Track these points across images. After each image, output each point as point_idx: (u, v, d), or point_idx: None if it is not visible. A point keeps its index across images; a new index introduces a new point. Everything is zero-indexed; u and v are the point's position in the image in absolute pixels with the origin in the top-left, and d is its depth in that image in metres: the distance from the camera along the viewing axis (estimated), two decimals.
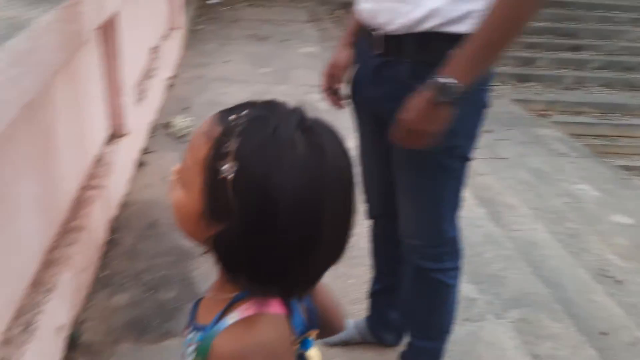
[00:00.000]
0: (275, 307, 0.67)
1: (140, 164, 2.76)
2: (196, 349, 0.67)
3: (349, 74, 1.50)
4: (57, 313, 1.56)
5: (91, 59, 2.12)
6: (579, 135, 7.67)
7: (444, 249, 1.44)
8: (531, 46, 9.39)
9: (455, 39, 1.23)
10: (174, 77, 3.99)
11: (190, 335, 0.70)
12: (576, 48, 9.48)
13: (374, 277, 1.75)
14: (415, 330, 1.59)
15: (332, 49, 1.55)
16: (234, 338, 0.64)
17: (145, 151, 2.88)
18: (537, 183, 4.46)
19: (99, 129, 2.27)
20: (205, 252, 0.67)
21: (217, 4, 7.00)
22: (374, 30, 1.30)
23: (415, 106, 1.17)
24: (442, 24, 1.22)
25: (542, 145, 6.18)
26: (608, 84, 8.90)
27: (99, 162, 2.21)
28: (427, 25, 1.23)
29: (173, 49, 4.08)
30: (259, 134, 0.60)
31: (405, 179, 1.38)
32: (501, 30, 1.14)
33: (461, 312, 2.05)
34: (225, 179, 0.59)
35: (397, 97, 1.29)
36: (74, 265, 1.70)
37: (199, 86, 3.93)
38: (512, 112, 7.32)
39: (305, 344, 0.70)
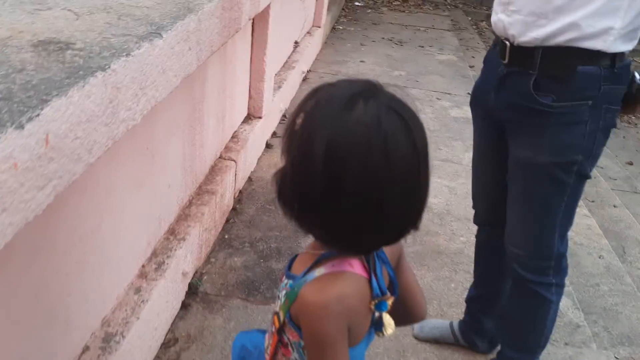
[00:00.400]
0: (357, 268, 0.77)
1: (269, 146, 2.99)
2: (286, 294, 0.79)
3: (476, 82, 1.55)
4: (185, 260, 1.79)
5: (242, 46, 2.36)
6: None
7: (548, 263, 1.44)
8: None
9: (587, 55, 1.24)
10: (310, 71, 4.22)
11: (284, 282, 0.82)
12: None
13: (473, 283, 1.78)
14: (508, 339, 1.60)
15: (470, 59, 1.60)
16: (318, 289, 0.74)
17: (275, 135, 3.11)
18: None
19: (239, 109, 2.51)
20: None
21: (361, 6, 7.21)
22: (505, 40, 1.34)
23: None
24: (576, 39, 1.24)
25: None
26: None
27: (235, 138, 2.45)
28: (560, 40, 1.25)
29: (313, 45, 4.31)
30: (326, 97, 0.70)
31: (519, 187, 1.41)
32: None
33: (563, 335, 2.01)
34: (294, 128, 0.70)
35: (518, 107, 1.33)
36: (203, 223, 1.93)
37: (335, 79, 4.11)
38: None
39: (381, 306, 0.79)
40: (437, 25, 7.02)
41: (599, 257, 2.77)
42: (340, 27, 5.91)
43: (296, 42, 3.82)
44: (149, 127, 1.49)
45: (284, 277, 0.83)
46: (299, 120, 0.72)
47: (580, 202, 3.39)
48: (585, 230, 3.00)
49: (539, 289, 1.46)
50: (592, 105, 1.28)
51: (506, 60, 1.35)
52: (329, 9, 5.07)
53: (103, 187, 1.29)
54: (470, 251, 1.85)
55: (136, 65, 1.11)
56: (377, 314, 0.81)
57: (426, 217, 2.52)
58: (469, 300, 1.78)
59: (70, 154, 0.90)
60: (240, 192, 2.51)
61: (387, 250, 0.84)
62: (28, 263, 1.06)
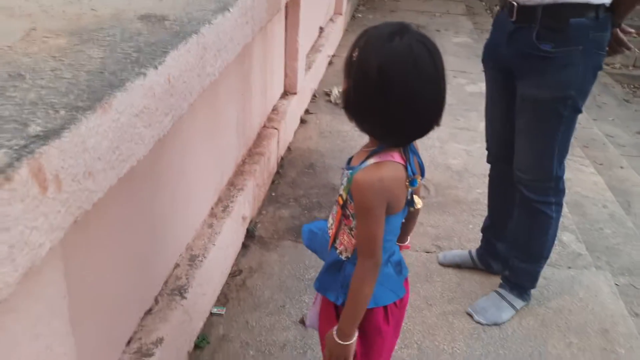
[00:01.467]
0: (396, 158, 1.07)
1: (303, 121, 3.31)
2: (347, 179, 1.10)
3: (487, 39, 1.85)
4: (243, 206, 2.12)
5: (278, 28, 2.68)
6: None
7: (549, 184, 1.74)
8: None
9: (576, 9, 1.54)
10: (335, 55, 4.53)
11: (344, 173, 1.13)
12: None
13: (488, 214, 2.08)
14: (516, 253, 1.90)
15: (484, 40, 1.89)
16: (367, 173, 1.05)
17: (307, 112, 3.44)
18: None
19: (278, 84, 2.84)
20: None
21: None
22: (513, 2, 1.64)
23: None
24: None
25: None
26: None
27: (275, 110, 2.78)
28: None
29: (336, 31, 4.62)
30: (370, 36, 1.01)
31: (525, 121, 1.71)
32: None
33: (567, 261, 2.30)
34: (353, 59, 1.01)
35: (525, 54, 1.63)
36: (255, 178, 2.26)
37: None
38: None
39: (413, 183, 1.10)
40: (452, 11, 7.27)
41: (603, 207, 3.04)
42: (360, 15, 6.21)
43: (321, 28, 4.13)
44: (214, 91, 1.82)
45: (345, 169, 1.15)
46: (355, 53, 1.03)
47: (588, 163, 3.66)
48: (591, 186, 3.27)
49: (541, 207, 1.75)
50: (583, 50, 1.57)
51: (514, 18, 1.64)
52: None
53: (185, 136, 1.63)
54: (485, 200, 2.14)
55: (215, 32, 1.44)
56: (410, 193, 1.12)
57: (447, 174, 2.85)
58: (484, 229, 2.08)
59: (180, 92, 1.24)
60: (282, 158, 2.84)
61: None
62: (142, 185, 1.40)
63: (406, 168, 1.08)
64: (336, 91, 3.73)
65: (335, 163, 2.87)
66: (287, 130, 2.89)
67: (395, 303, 1.16)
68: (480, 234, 2.13)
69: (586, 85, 1.64)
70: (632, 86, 7.86)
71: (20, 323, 0.86)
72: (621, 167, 4.03)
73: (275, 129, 2.62)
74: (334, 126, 3.29)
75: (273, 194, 2.56)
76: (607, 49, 1.65)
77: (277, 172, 2.73)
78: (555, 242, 2.27)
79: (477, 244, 2.19)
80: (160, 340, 1.42)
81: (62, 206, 0.83)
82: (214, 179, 1.97)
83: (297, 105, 3.10)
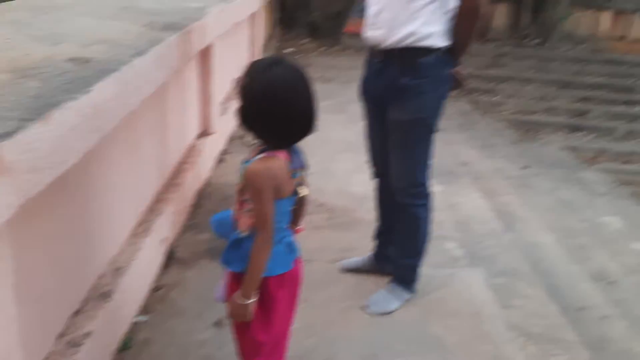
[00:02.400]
0: (281, 155, 1.40)
1: (220, 160, 3.61)
2: (242, 169, 1.40)
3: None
4: (162, 230, 2.36)
5: (192, 75, 3.01)
6: (627, 183, 7.96)
7: (416, 190, 2.13)
8: (585, 99, 9.79)
9: (423, 50, 1.97)
10: None
11: (242, 166, 1.44)
12: (630, 102, 9.75)
13: (378, 223, 2.44)
14: (400, 250, 2.25)
15: None
16: (257, 163, 1.37)
17: (226, 152, 3.74)
18: (561, 210, 4.96)
19: (194, 125, 3.14)
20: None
21: (292, 52, 8.05)
22: (375, 47, 2.06)
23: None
24: (414, 41, 1.97)
25: (581, 185, 6.56)
26: None
27: (192, 148, 3.06)
28: (405, 42, 1.97)
29: None
30: (255, 66, 1.36)
31: (394, 139, 2.10)
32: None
33: (446, 264, 2.67)
34: (243, 85, 1.35)
35: (390, 86, 2.03)
36: (173, 205, 2.51)
37: None
38: (557, 156, 7.75)
39: (295, 175, 1.42)
40: (359, 66, 7.90)
41: (485, 224, 3.51)
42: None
43: (235, 79, 4.50)
44: (135, 123, 2.09)
45: (242, 164, 1.45)
46: (244, 80, 1.37)
47: (476, 190, 4.13)
48: (476, 209, 3.76)
49: (413, 209, 2.13)
50: (430, 82, 2.00)
51: (379, 59, 2.05)
52: (263, 54, 5.81)
53: (111, 160, 1.88)
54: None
55: (132, 71, 1.73)
56: (296, 184, 1.44)
57: (350, 200, 3.21)
58: (376, 236, 2.44)
59: (105, 117, 1.51)
60: (200, 192, 3.09)
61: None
62: (74, 199, 1.63)
63: (289, 162, 1.40)
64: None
65: None
66: (203, 165, 3.17)
67: (284, 275, 1.46)
68: (373, 239, 2.47)
69: (436, 110, 2.07)
70: (521, 130, 8.80)
71: None
72: (506, 195, 4.59)
73: (192, 163, 2.89)
74: None
75: (192, 222, 2.80)
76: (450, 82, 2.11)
77: (196, 203, 2.98)
78: (439, 248, 2.68)
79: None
80: (88, 334, 1.62)
81: (12, 189, 1.08)
82: (136, 202, 2.21)
83: (212, 145, 3.40)
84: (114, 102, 1.59)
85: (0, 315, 1.17)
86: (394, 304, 2.22)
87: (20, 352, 1.26)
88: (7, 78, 1.43)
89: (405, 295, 2.26)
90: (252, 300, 1.38)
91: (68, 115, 1.30)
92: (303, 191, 1.48)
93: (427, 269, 2.39)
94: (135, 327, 2.01)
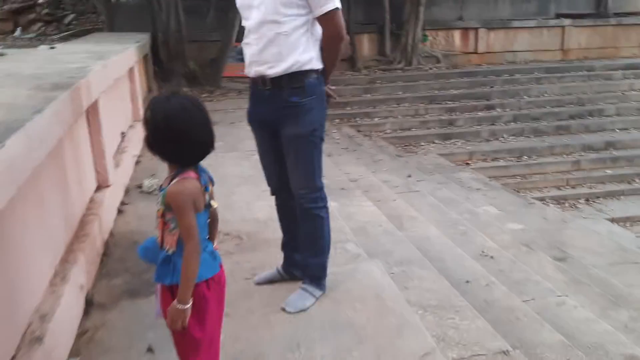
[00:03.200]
0: (191, 174, 1.63)
1: (120, 211, 3.70)
2: (162, 195, 1.62)
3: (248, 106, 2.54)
4: (79, 277, 2.45)
5: (84, 130, 3.13)
6: (497, 177, 8.93)
7: (317, 194, 2.44)
8: (451, 110, 10.84)
9: (307, 73, 2.30)
10: (141, 155, 5.00)
11: (159, 193, 1.65)
12: (489, 107, 10.94)
13: (283, 235, 2.70)
14: (307, 252, 2.53)
15: None
16: (175, 185, 1.60)
17: (123, 203, 3.83)
18: (443, 206, 5.52)
19: (91, 179, 3.24)
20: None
21: None
22: (262, 79, 2.34)
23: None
24: (299, 67, 2.29)
25: (458, 184, 7.31)
26: (518, 133, 10.30)
27: (92, 201, 3.16)
28: (292, 69, 2.29)
29: (137, 134, 5.13)
30: (155, 100, 1.61)
31: (293, 152, 2.40)
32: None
33: (348, 261, 2.98)
34: (146, 116, 1.59)
35: (282, 108, 2.32)
36: (85, 254, 2.61)
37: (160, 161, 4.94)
38: (435, 163, 8.53)
39: (207, 189, 1.66)
40: (243, 106, 8.20)
41: (380, 226, 3.91)
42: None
43: (123, 133, 4.61)
44: (39, 179, 2.21)
45: (159, 191, 1.66)
46: (147, 113, 1.60)
47: (367, 200, 4.54)
48: (370, 215, 4.15)
49: (316, 211, 2.44)
50: (316, 99, 2.34)
51: (268, 87, 2.34)
52: (144, 107, 5.94)
53: (24, 215, 1.98)
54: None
55: (36, 127, 1.89)
56: (207, 198, 1.67)
57: (255, 225, 3.45)
58: (282, 246, 2.69)
59: (17, 171, 1.66)
60: (107, 242, 3.18)
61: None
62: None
63: (200, 180, 1.64)
64: (147, 182, 4.19)
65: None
66: (106, 216, 3.26)
67: (213, 278, 1.67)
68: (281, 249, 2.73)
69: (323, 121, 2.42)
70: (401, 145, 9.56)
71: None
72: (394, 200, 5.05)
73: (95, 214, 2.99)
74: (150, 209, 3.69)
75: (104, 270, 2.89)
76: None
77: (104, 254, 3.07)
78: (341, 250, 2.98)
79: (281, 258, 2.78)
80: None
81: None
82: (50, 253, 2.31)
83: (111, 196, 3.50)
84: (24, 156, 1.74)
85: (57, 319, 1.28)
86: (309, 301, 2.48)
87: None
88: None
89: (317, 292, 2.53)
90: (189, 305, 1.58)
91: None
92: (214, 203, 1.72)
93: (332, 267, 2.69)
94: None
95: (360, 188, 5.24)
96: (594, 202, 8.90)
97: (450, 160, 8.97)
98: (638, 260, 5.32)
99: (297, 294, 2.51)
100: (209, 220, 1.73)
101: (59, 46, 5.55)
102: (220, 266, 1.75)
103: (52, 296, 2.15)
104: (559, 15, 13.35)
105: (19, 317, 1.90)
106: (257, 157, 5.11)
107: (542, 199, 8.44)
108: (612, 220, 8.18)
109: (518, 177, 9.24)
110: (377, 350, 2.20)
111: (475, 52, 12.96)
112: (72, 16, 13.96)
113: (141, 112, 5.57)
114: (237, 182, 4.43)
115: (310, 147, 2.41)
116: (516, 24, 12.96)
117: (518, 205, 6.77)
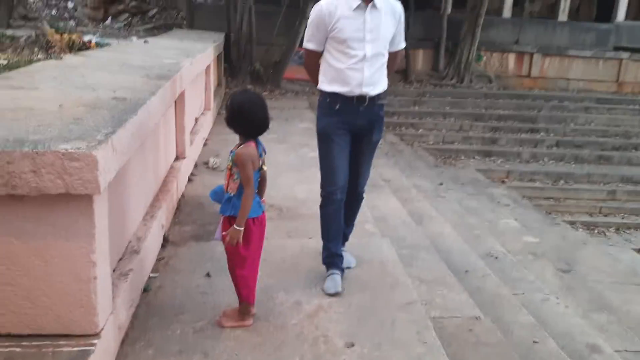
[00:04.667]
0: (251, 144, 2.43)
1: (190, 180, 4.57)
2: (231, 155, 2.43)
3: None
4: (161, 218, 3.30)
5: (172, 113, 4.01)
6: (530, 197, 9.38)
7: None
8: (495, 129, 11.32)
9: (385, 92, 3.04)
10: (208, 138, 5.90)
11: (230, 154, 2.45)
12: (533, 130, 11.35)
13: (343, 222, 3.38)
14: (350, 224, 3.30)
15: None
16: (241, 149, 2.40)
17: (193, 174, 4.70)
18: (465, 212, 6.14)
19: (173, 151, 4.11)
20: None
21: None
22: (364, 96, 3.02)
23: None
24: (384, 88, 3.03)
25: (488, 198, 7.85)
26: (559, 159, 10.68)
27: (172, 167, 4.02)
28: (383, 89, 3.02)
29: (207, 121, 6.03)
30: (233, 94, 2.43)
31: (368, 156, 3.13)
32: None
33: (363, 237, 3.71)
34: (227, 103, 2.40)
35: (373, 120, 3.04)
36: (166, 203, 3.45)
37: (224, 144, 5.81)
38: (471, 177, 9.08)
39: (261, 155, 2.45)
40: (298, 106, 9.11)
41: (399, 219, 4.60)
42: (223, 112, 7.71)
43: (196, 118, 5.50)
44: (144, 144, 3.06)
45: (230, 154, 2.45)
46: (228, 101, 2.41)
47: (395, 199, 5.26)
48: (393, 209, 4.85)
49: (364, 195, 3.21)
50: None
51: (365, 103, 2.99)
52: (215, 99, 6.86)
53: (136, 169, 2.83)
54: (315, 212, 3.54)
55: (151, 106, 2.73)
56: (261, 163, 2.46)
57: (295, 202, 4.24)
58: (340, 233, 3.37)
59: (144, 133, 2.50)
60: (179, 200, 4.04)
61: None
62: (116, 188, 2.57)
63: (256, 149, 2.43)
64: (212, 160, 5.05)
65: (216, 205, 4.12)
66: (181, 181, 4.13)
67: (257, 218, 2.46)
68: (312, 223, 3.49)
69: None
70: (441, 157, 10.15)
71: None
72: (419, 201, 5.73)
73: (174, 177, 3.86)
74: (213, 181, 4.57)
75: (177, 220, 3.75)
76: None
77: (177, 208, 3.93)
78: (360, 228, 3.72)
79: (314, 234, 3.53)
80: (129, 271, 2.54)
81: (114, 161, 2.05)
82: (145, 198, 3.16)
83: (185, 167, 4.37)
84: (144, 123, 2.58)
85: (101, 256, 2.10)
86: (352, 262, 3.25)
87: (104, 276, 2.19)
88: (86, 109, 2.40)
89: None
90: (242, 229, 2.38)
91: (128, 129, 2.28)
92: (264, 167, 2.51)
93: (352, 239, 3.43)
94: (150, 280, 2.92)
95: (390, 187, 5.93)
96: (624, 232, 9.19)
97: (486, 176, 9.47)
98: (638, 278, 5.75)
99: (346, 254, 3.25)
100: (259, 179, 2.52)
101: (151, 40, 6.53)
102: (263, 212, 2.53)
103: (144, 227, 3.00)
104: (617, 48, 13.55)
105: (125, 236, 2.75)
106: (304, 150, 6.01)
107: (572, 223, 8.84)
108: (639, 251, 8.50)
109: (552, 200, 9.64)
110: (373, 297, 2.92)
111: (529, 76, 13.37)
112: (154, 10, 15.27)
113: (212, 103, 6.49)
114: (284, 168, 5.22)
115: (375, 150, 3.19)
116: (572, 52, 13.27)
117: (542, 223, 7.26)
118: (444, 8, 12.70)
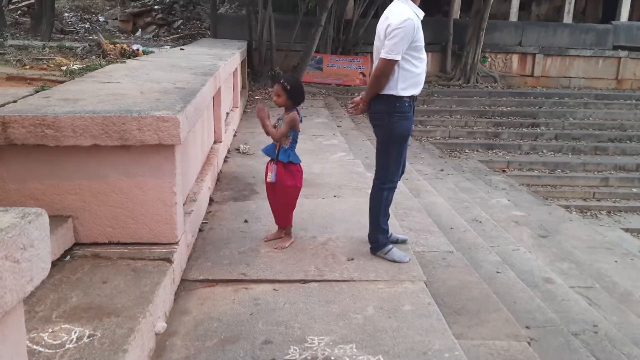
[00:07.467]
0: (295, 112, 3.43)
1: (225, 161, 5.58)
2: (282, 119, 3.44)
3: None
4: (208, 181, 4.30)
5: (211, 104, 5.03)
6: (528, 185, 10.22)
7: None
8: (498, 124, 12.18)
9: None
10: (237, 131, 6.92)
11: (279, 120, 3.46)
12: (534, 125, 12.18)
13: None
14: None
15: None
16: (290, 115, 3.43)
17: (227, 157, 5.72)
18: (459, 190, 7.04)
19: (212, 135, 5.13)
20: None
21: (260, 99, 10.16)
22: (413, 95, 3.97)
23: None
24: None
25: (486, 183, 8.71)
26: (557, 150, 11.49)
27: (212, 148, 5.04)
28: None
29: (236, 116, 7.05)
30: (287, 76, 3.47)
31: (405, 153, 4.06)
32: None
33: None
34: (285, 86, 3.41)
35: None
36: (210, 172, 4.46)
37: (250, 135, 6.83)
38: (473, 167, 9.95)
39: (301, 120, 3.46)
40: (315, 105, 10.10)
41: (398, 189, 5.51)
42: (249, 110, 8.75)
43: (227, 113, 6.52)
44: (196, 126, 4.06)
45: (278, 119, 3.47)
46: (285, 82, 3.42)
47: (402, 185, 6.17)
48: (401, 192, 5.77)
49: None
50: None
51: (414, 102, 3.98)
52: (240, 99, 7.89)
53: (195, 140, 3.83)
54: (329, 180, 4.48)
55: (203, 92, 3.74)
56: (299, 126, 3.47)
57: (313, 175, 5.24)
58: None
59: (198, 111, 3.51)
60: (218, 174, 5.05)
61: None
62: (189, 150, 3.58)
63: (298, 114, 3.43)
64: (242, 146, 6.06)
65: (248, 178, 5.12)
66: (219, 159, 5.14)
67: (299, 165, 3.47)
68: (330, 192, 4.45)
69: None
70: (447, 150, 11.04)
71: None
72: (418, 180, 6.67)
73: (215, 155, 4.87)
74: (244, 162, 5.58)
75: (218, 187, 4.75)
76: None
77: (218, 180, 4.93)
78: (364, 194, 4.66)
79: (325, 196, 4.50)
80: (191, 211, 3.53)
81: (186, 125, 3.07)
82: (198, 164, 4.17)
83: (222, 149, 5.39)
84: (199, 107, 3.58)
85: (179, 189, 3.09)
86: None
87: (180, 204, 3.18)
88: (160, 94, 3.40)
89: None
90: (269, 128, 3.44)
91: (192, 105, 3.28)
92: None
93: (354, 200, 4.38)
94: (202, 225, 3.91)
95: None
96: (615, 214, 9.98)
97: (488, 166, 10.34)
98: (615, 248, 6.57)
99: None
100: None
101: (186, 48, 7.59)
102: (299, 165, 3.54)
103: (198, 185, 4.00)
104: (616, 47, 14.30)
105: (186, 189, 3.75)
106: (319, 139, 7.00)
107: (566, 207, 9.66)
108: (627, 230, 9.26)
109: (548, 187, 10.46)
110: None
111: (532, 76, 14.19)
112: (180, 21, 16.46)
113: (239, 101, 7.53)
114: (303, 152, 6.07)
115: None
116: (573, 52, 14.08)
117: (532, 203, 8.11)
118: (451, 13, 13.61)
